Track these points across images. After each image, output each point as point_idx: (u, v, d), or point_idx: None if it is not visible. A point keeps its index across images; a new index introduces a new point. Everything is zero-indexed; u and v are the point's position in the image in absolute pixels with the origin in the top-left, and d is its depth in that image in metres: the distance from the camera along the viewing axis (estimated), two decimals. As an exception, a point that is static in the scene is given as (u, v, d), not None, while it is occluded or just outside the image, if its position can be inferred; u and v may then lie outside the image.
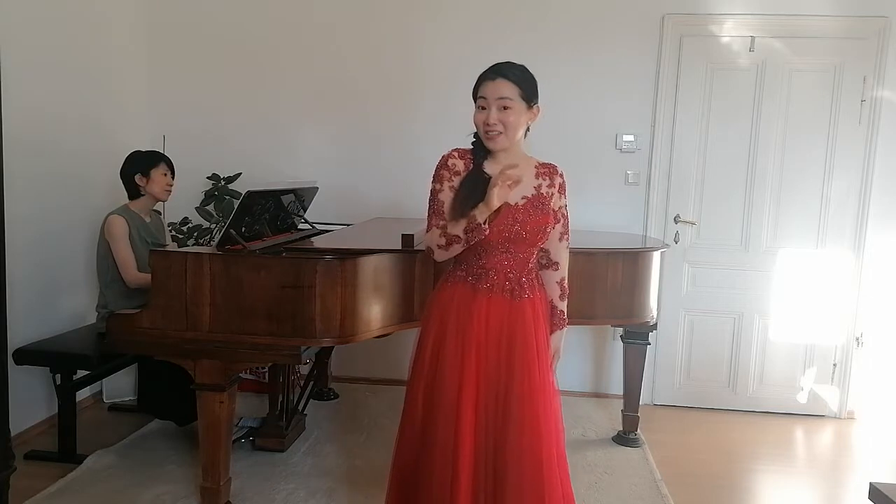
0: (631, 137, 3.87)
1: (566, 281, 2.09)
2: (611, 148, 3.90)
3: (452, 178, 1.93)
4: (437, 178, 1.95)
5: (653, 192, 3.91)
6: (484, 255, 1.92)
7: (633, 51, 3.83)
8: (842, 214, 3.80)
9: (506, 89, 1.86)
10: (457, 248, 1.88)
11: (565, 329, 2.10)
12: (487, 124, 1.87)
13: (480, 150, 1.94)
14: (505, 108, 1.86)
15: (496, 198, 1.80)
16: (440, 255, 1.91)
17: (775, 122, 3.78)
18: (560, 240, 2.05)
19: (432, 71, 3.92)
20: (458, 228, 1.85)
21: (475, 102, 1.92)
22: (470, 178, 1.91)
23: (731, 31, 3.77)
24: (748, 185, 3.84)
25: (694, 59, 3.80)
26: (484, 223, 1.83)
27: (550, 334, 2.05)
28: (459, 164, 1.94)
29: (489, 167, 1.93)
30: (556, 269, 2.07)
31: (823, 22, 3.69)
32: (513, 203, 1.90)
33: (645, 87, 3.85)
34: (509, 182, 1.80)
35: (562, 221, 2.04)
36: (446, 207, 1.91)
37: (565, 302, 2.09)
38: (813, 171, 3.80)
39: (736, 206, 3.87)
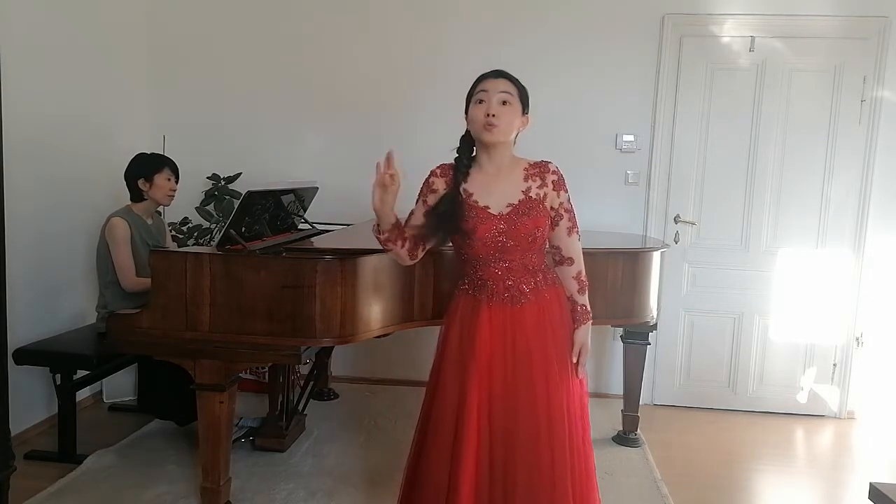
0: (631, 137, 3.87)
1: (583, 274, 2.06)
2: (611, 148, 3.90)
3: (427, 195, 1.99)
4: (420, 190, 2.03)
5: (653, 192, 3.91)
6: (480, 268, 1.96)
7: (633, 51, 3.83)
8: (842, 214, 3.80)
9: (507, 86, 1.91)
10: (401, 254, 1.98)
11: (589, 323, 2.05)
12: (488, 114, 1.87)
13: (462, 165, 1.96)
14: (505, 102, 1.88)
15: (374, 203, 1.85)
16: (401, 260, 2.03)
17: (775, 122, 3.78)
18: (569, 234, 2.02)
19: (432, 71, 3.92)
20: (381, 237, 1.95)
21: (471, 99, 1.92)
22: (446, 198, 1.95)
23: (731, 31, 3.77)
24: (748, 185, 3.84)
25: (694, 59, 3.80)
26: (380, 232, 1.91)
27: (575, 330, 2.02)
28: (439, 183, 1.99)
29: (474, 175, 1.96)
30: (571, 265, 2.04)
31: (823, 22, 3.69)
32: (496, 213, 1.91)
33: (645, 87, 3.85)
34: (389, 172, 1.78)
35: (565, 217, 2.01)
36: (414, 219, 1.99)
37: (585, 295, 2.06)
38: (813, 171, 3.80)
39: (736, 206, 3.87)
